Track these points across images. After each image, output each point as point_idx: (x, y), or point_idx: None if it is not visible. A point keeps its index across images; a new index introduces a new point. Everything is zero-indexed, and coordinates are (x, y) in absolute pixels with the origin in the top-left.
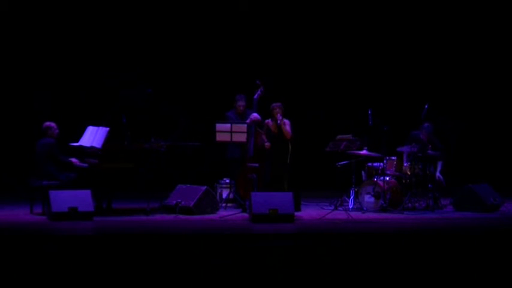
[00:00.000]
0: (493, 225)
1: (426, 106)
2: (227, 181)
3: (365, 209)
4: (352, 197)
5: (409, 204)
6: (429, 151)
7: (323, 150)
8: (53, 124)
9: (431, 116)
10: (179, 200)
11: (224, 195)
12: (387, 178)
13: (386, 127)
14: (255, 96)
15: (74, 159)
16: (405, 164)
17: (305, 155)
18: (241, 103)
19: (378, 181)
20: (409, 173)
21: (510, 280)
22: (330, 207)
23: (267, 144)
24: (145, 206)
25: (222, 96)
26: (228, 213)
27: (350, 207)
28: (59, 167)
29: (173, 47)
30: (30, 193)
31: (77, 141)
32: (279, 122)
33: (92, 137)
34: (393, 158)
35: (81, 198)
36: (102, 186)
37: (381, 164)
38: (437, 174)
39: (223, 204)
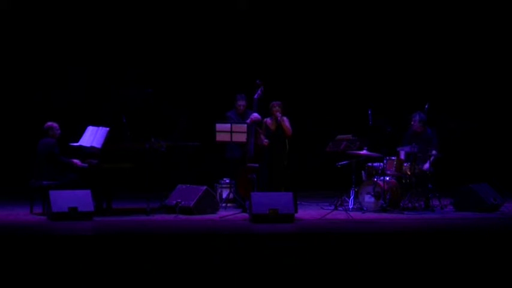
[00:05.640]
0: (493, 225)
1: (426, 106)
2: (227, 181)
3: (365, 209)
4: (352, 197)
5: (409, 204)
6: (431, 152)
7: (323, 150)
8: (55, 124)
9: (432, 115)
10: (179, 200)
11: (224, 195)
12: (387, 178)
13: (389, 128)
14: (255, 96)
15: (75, 160)
16: (405, 164)
17: (305, 155)
18: (241, 103)
19: (378, 181)
20: (409, 173)
21: (510, 280)
22: (330, 207)
23: (265, 141)
24: (145, 206)
25: (222, 96)
26: (228, 213)
27: (350, 207)
28: (59, 167)
29: (173, 47)
30: (30, 193)
31: (77, 141)
32: (278, 119)
33: (92, 137)
34: (393, 158)
35: (81, 198)
36: (102, 186)
37: (381, 164)
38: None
39: (223, 204)
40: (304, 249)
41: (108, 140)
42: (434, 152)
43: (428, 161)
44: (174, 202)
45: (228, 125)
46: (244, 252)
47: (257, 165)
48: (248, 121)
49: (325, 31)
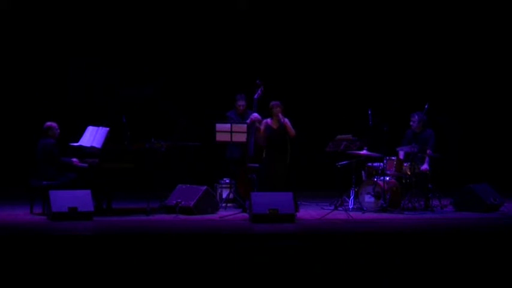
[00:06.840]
0: (493, 225)
1: (426, 106)
2: (227, 181)
3: (365, 209)
4: (352, 197)
5: (409, 204)
6: (428, 152)
7: (323, 150)
8: (54, 124)
9: (432, 116)
10: (179, 200)
11: (224, 195)
12: (387, 178)
13: (386, 127)
14: (255, 96)
15: (74, 159)
16: (405, 164)
17: (305, 155)
18: (241, 103)
19: (378, 181)
20: (409, 173)
21: (510, 280)
22: (330, 207)
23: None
24: (145, 206)
25: (222, 96)
26: (228, 213)
27: (350, 207)
28: (59, 167)
29: (173, 47)
30: (30, 193)
31: (77, 141)
32: (282, 120)
33: (92, 137)
34: (393, 158)
35: (81, 198)
36: (102, 186)
37: (381, 164)
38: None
39: (223, 204)
40: (305, 249)
41: (108, 140)
42: (429, 151)
43: (426, 162)
44: (174, 202)
45: (228, 125)
46: (244, 252)
47: (257, 165)
48: (248, 121)
49: (325, 31)
